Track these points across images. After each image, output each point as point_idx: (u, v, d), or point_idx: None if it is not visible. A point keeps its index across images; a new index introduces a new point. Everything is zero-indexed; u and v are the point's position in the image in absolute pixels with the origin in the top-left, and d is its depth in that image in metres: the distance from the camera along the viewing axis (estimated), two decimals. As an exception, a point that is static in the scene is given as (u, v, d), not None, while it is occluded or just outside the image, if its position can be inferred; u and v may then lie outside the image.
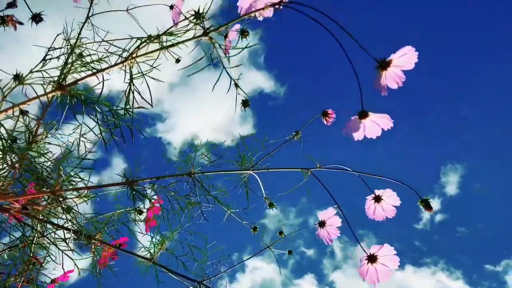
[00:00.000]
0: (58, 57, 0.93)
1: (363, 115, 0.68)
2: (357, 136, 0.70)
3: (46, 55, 0.92)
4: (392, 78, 0.62)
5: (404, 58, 0.61)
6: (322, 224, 0.94)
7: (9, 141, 1.00)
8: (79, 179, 1.19)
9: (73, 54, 0.92)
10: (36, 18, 0.89)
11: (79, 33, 1.06)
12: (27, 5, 0.88)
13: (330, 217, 0.94)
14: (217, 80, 0.80)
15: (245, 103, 0.86)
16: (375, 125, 0.69)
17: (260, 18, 0.69)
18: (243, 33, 0.75)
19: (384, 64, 0.61)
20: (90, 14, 1.09)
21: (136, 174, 1.22)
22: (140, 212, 1.17)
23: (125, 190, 1.21)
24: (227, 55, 0.79)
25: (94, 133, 0.96)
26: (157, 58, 0.83)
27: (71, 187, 1.18)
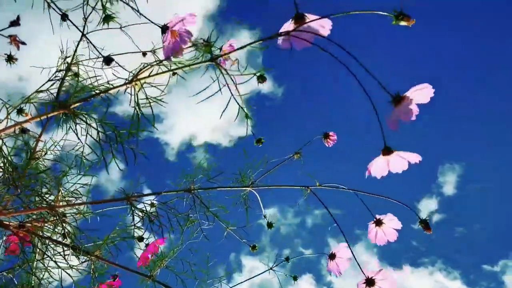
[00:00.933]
0: (63, 78, 0.93)
1: (387, 152, 0.66)
2: (381, 173, 0.69)
3: (53, 75, 0.92)
4: (405, 112, 0.60)
5: (420, 93, 0.60)
6: (332, 256, 0.95)
7: (10, 158, 0.99)
8: (79, 195, 1.20)
9: (74, 75, 0.93)
10: (108, 61, 0.89)
11: (75, 51, 1.06)
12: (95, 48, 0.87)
13: (341, 249, 0.95)
14: (225, 108, 0.80)
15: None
16: (401, 159, 0.67)
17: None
18: (260, 79, 0.75)
19: (399, 99, 0.60)
20: (85, 32, 1.10)
21: (136, 181, 1.22)
22: (141, 240, 1.18)
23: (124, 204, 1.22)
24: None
25: (96, 154, 0.96)
26: (167, 84, 0.83)
27: (70, 202, 1.18)
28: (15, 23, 0.95)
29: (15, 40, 0.93)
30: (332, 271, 0.95)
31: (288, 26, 0.68)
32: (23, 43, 0.94)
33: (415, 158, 0.66)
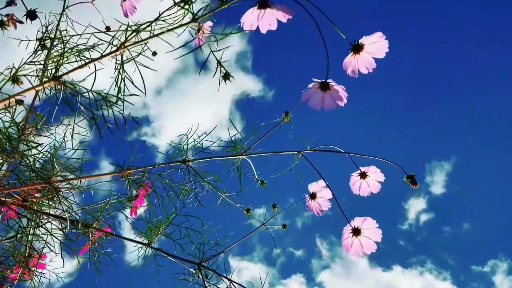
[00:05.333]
0: (49, 49, 0.94)
1: (324, 86, 0.70)
2: (315, 105, 0.73)
3: (37, 47, 0.93)
4: (363, 63, 0.66)
5: (375, 46, 0.65)
6: (313, 196, 0.97)
7: (6, 133, 1.01)
8: (74, 170, 1.21)
9: (64, 45, 0.94)
10: (31, 15, 0.90)
11: (58, 24, 1.07)
12: (22, 2, 0.89)
13: (321, 189, 0.97)
14: (205, 62, 0.82)
15: (226, 76, 0.89)
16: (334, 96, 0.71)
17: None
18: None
19: (357, 48, 0.66)
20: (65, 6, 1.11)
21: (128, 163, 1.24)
22: (134, 198, 1.20)
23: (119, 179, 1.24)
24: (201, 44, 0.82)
25: (88, 121, 0.98)
26: (146, 43, 0.85)
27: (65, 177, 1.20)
28: (12, 2, 0.96)
29: (12, 19, 0.94)
30: (313, 210, 0.97)
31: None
32: (21, 22, 0.95)
33: (343, 94, 0.70)
